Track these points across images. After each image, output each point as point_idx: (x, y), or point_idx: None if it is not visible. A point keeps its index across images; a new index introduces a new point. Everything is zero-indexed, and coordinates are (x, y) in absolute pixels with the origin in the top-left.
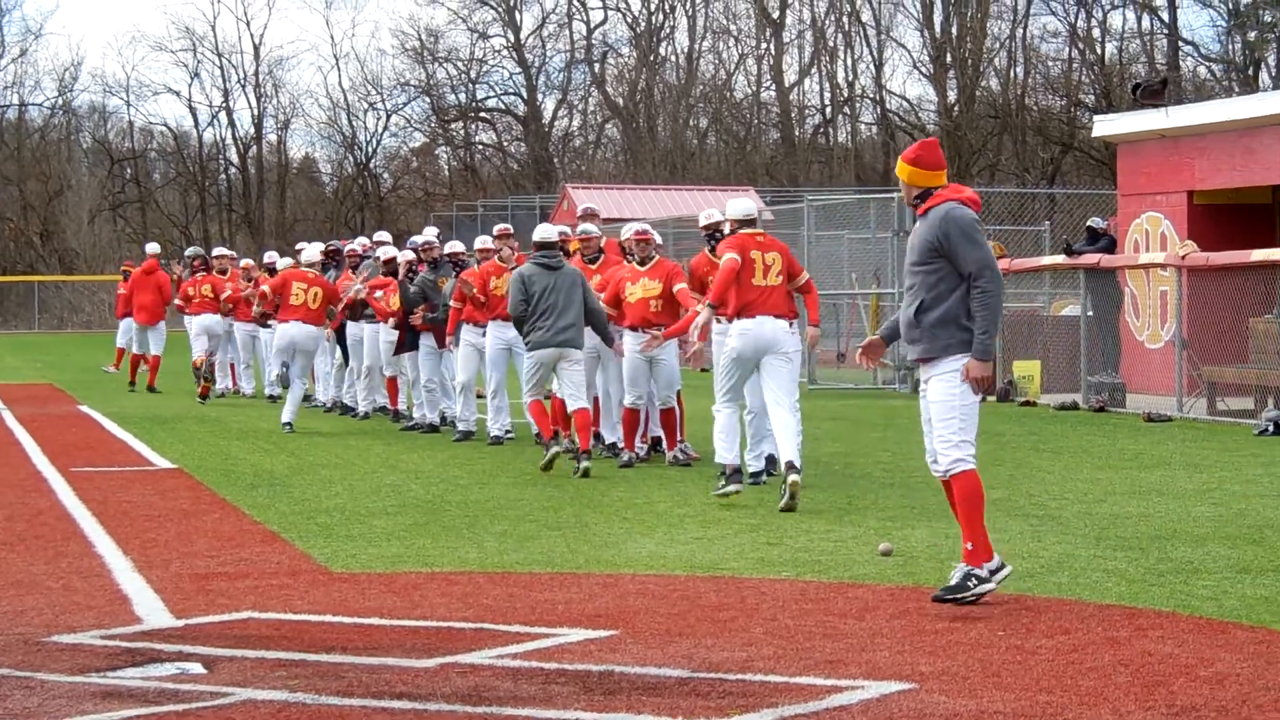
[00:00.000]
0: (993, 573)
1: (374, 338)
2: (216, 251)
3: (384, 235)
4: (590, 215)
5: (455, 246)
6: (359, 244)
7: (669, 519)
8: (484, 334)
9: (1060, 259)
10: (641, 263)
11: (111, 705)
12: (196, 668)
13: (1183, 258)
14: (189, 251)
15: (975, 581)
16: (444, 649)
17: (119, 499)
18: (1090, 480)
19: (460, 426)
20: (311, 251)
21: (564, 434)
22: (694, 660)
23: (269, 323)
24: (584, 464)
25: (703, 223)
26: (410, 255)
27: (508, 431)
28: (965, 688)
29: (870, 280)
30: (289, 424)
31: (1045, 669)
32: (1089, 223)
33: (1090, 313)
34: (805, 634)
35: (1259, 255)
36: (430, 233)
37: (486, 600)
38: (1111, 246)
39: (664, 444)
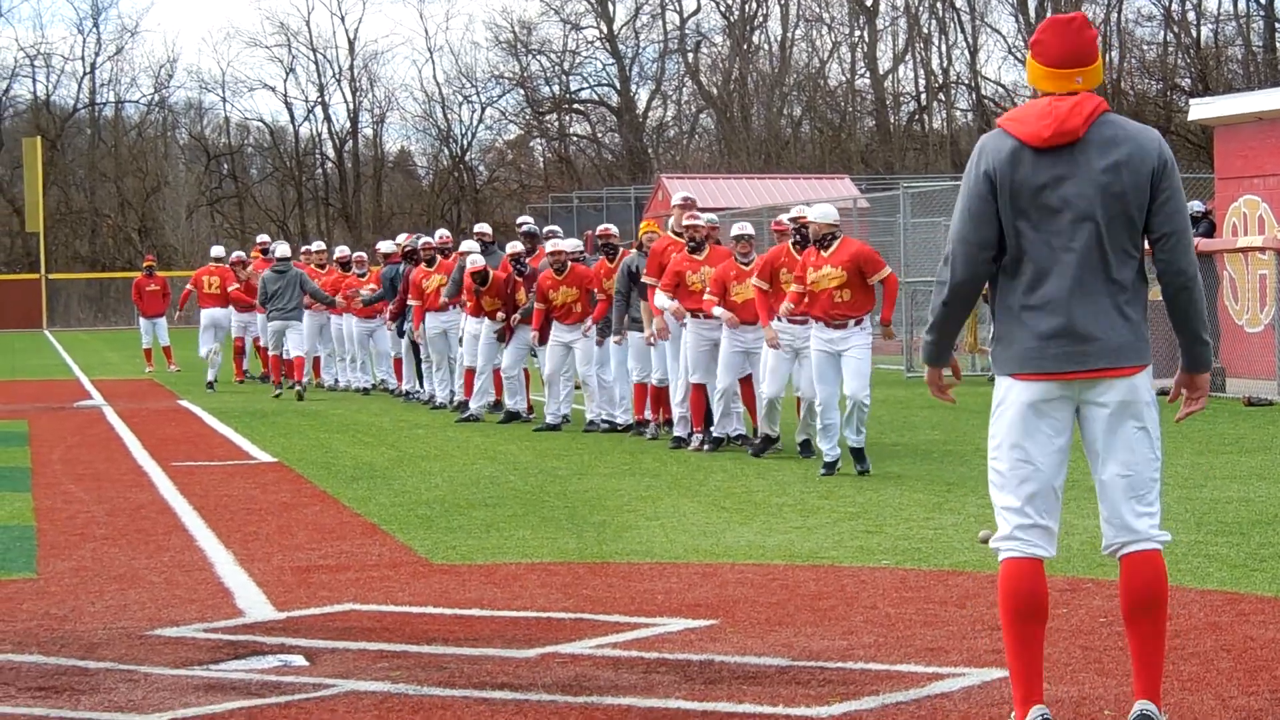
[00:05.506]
0: None
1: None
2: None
3: (445, 232)
4: (688, 204)
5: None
6: (434, 237)
7: (767, 508)
8: (571, 331)
9: None
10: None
11: (214, 697)
12: (299, 660)
13: None
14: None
15: None
16: (544, 639)
17: (220, 493)
18: (1190, 465)
19: (549, 419)
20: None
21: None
22: (794, 649)
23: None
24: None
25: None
26: (519, 248)
27: (566, 418)
28: (1066, 674)
29: None
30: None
31: None
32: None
33: None
34: (906, 622)
35: None
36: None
37: (586, 590)
38: (1210, 230)
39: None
